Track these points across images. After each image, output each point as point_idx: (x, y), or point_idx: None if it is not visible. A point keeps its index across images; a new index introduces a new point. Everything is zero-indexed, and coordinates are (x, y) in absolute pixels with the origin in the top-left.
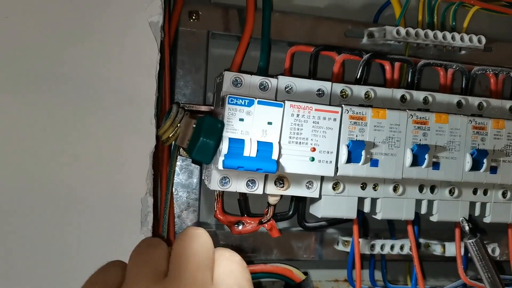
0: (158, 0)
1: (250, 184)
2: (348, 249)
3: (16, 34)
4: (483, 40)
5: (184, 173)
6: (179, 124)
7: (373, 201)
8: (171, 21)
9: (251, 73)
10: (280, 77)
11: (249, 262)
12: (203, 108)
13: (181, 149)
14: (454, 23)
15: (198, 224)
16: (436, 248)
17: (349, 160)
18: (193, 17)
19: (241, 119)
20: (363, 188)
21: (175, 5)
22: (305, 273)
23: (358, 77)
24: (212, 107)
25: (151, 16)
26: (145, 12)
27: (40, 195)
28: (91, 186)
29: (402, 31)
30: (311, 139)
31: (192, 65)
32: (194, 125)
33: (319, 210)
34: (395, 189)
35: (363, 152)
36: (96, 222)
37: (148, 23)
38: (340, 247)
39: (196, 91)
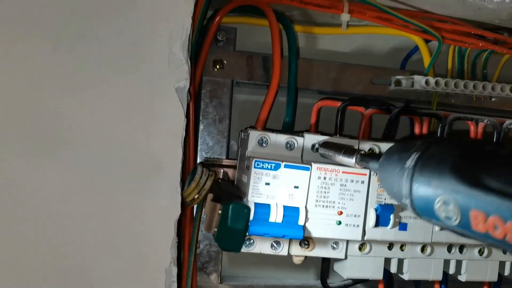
0: (185, 65)
1: (274, 245)
2: None
3: (42, 102)
4: None
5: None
6: (204, 187)
7: (400, 261)
8: (196, 70)
9: (277, 131)
10: (306, 135)
11: None
12: (227, 162)
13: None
14: (485, 71)
15: (221, 277)
16: None
17: (377, 224)
18: (218, 66)
19: (267, 183)
20: (390, 248)
21: (200, 54)
22: None
23: (386, 132)
24: (236, 161)
25: (178, 81)
26: (172, 78)
27: (63, 267)
28: (115, 257)
29: (431, 81)
30: (338, 202)
31: (215, 115)
32: (219, 211)
33: (344, 270)
34: (423, 250)
35: (392, 216)
36: None
37: (175, 89)
38: None
39: (220, 141)
